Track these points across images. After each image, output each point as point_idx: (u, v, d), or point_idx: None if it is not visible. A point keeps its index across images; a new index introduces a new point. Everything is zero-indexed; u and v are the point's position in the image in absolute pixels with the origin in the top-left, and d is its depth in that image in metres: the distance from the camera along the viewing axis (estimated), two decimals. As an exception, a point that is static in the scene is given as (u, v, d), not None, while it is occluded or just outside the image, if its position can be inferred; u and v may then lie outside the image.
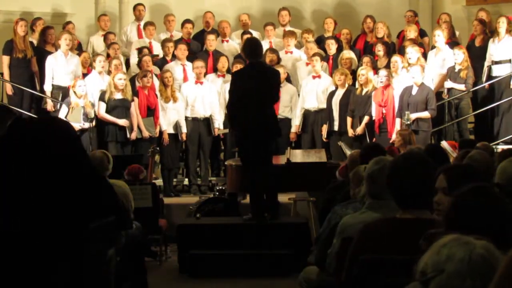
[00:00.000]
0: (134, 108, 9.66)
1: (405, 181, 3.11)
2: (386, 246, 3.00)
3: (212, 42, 10.78)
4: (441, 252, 1.94)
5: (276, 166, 8.07)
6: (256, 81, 7.25)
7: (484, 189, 2.43)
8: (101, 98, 9.59)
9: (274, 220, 7.47)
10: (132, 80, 10.17)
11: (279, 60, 10.43)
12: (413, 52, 9.72)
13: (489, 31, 10.30)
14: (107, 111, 9.55)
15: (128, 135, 9.61)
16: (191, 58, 10.55)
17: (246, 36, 10.77)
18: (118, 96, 9.55)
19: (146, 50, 10.53)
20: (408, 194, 3.10)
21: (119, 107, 9.56)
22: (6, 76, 10.16)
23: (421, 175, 3.10)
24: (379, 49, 10.31)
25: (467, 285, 1.88)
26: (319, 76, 10.12)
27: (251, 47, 7.53)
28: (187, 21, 11.26)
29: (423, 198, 3.04)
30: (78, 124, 9.33)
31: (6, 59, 10.11)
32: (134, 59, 10.72)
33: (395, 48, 10.78)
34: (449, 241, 1.96)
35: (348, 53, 10.34)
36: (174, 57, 10.67)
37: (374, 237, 3.08)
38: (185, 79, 10.43)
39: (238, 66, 9.84)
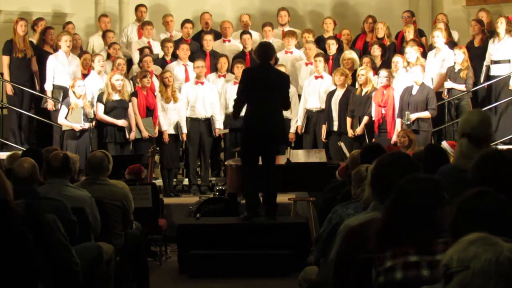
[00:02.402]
0: (132, 108, 9.66)
1: (388, 181, 3.10)
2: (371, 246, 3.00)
3: (209, 42, 10.78)
4: (469, 249, 1.95)
5: (276, 166, 8.10)
6: (266, 82, 7.31)
7: (488, 193, 2.43)
8: (99, 100, 9.59)
9: (271, 220, 7.47)
10: (133, 80, 10.19)
11: (277, 60, 10.43)
12: (412, 51, 9.73)
13: (489, 31, 10.30)
14: (106, 112, 9.55)
15: (127, 136, 9.61)
16: (190, 58, 10.55)
17: (245, 36, 10.81)
18: (116, 97, 9.55)
19: (147, 50, 10.54)
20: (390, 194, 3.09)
21: (118, 108, 9.56)
22: (6, 76, 10.16)
23: (405, 175, 3.09)
24: (375, 50, 10.31)
25: (491, 285, 1.89)
26: (321, 77, 10.12)
27: (263, 50, 7.54)
28: (186, 21, 11.26)
29: None
30: (78, 124, 9.33)
31: (6, 59, 10.12)
32: (136, 59, 10.71)
33: (395, 48, 10.78)
34: (477, 239, 1.97)
35: (349, 53, 10.33)
36: (173, 57, 10.66)
37: (358, 238, 3.09)
38: (187, 79, 10.43)
39: (238, 66, 9.87)
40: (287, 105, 7.69)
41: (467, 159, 4.00)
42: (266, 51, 7.53)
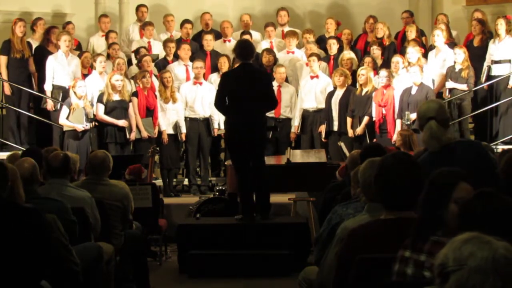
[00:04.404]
0: (132, 108, 9.66)
1: (391, 182, 3.11)
2: (372, 247, 3.01)
3: (209, 42, 10.77)
4: (463, 248, 1.96)
5: (276, 166, 8.09)
6: (244, 83, 7.26)
7: (490, 194, 2.43)
8: (100, 100, 9.59)
9: (266, 220, 7.48)
10: (133, 80, 10.19)
11: (276, 60, 10.45)
12: (413, 52, 9.72)
13: (488, 31, 10.30)
14: (106, 113, 9.55)
15: (127, 136, 9.61)
16: (190, 58, 10.56)
17: (246, 37, 10.79)
18: (116, 97, 9.55)
19: (143, 50, 10.53)
20: (394, 195, 3.10)
21: (118, 108, 9.56)
22: (4, 76, 10.15)
23: (407, 176, 3.09)
24: (375, 51, 10.31)
25: (489, 283, 1.90)
26: (317, 76, 10.13)
27: (241, 48, 7.53)
28: (186, 21, 11.26)
29: (408, 199, 3.04)
30: (81, 125, 9.31)
31: (3, 59, 10.10)
32: (135, 60, 10.73)
33: (395, 48, 10.77)
34: (471, 238, 1.98)
35: (348, 54, 10.34)
36: (175, 57, 10.66)
37: (361, 240, 3.10)
38: (188, 79, 10.44)
39: (237, 66, 9.87)
40: (273, 104, 7.62)
41: (437, 140, 4.20)
42: (245, 48, 7.48)
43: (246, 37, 10.77)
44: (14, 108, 10.16)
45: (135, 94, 9.79)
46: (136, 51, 10.60)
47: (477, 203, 2.39)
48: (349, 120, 9.67)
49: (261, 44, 11.15)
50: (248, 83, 7.26)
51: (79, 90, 9.35)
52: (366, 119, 9.54)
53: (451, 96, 9.81)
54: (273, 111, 9.53)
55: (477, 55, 10.06)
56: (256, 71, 7.74)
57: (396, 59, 9.83)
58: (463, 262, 1.94)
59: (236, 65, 9.82)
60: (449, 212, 2.74)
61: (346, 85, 9.79)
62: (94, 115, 9.50)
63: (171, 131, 10.01)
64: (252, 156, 7.40)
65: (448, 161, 3.79)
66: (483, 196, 2.41)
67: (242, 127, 7.26)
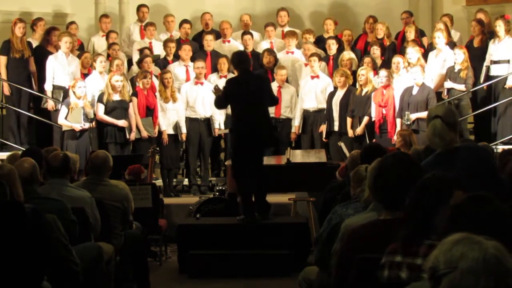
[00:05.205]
0: (132, 108, 9.67)
1: (391, 182, 3.11)
2: (372, 247, 3.02)
3: (210, 43, 10.77)
4: (454, 250, 1.95)
5: (276, 166, 8.10)
6: (247, 88, 7.43)
7: (481, 197, 2.42)
8: (100, 100, 9.59)
9: (266, 220, 7.49)
10: (133, 80, 10.18)
11: (276, 61, 10.46)
12: (413, 52, 9.72)
13: (488, 32, 10.30)
14: (106, 113, 9.56)
15: (127, 136, 9.62)
16: (191, 58, 10.55)
17: (246, 37, 10.82)
18: (116, 97, 9.56)
19: (147, 51, 10.53)
20: (394, 195, 3.10)
21: (118, 108, 9.56)
22: (4, 76, 10.14)
23: (407, 176, 3.09)
24: (375, 51, 10.31)
25: (481, 284, 1.90)
26: (317, 76, 10.13)
27: (239, 58, 7.75)
28: (185, 21, 11.26)
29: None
30: (78, 124, 9.32)
31: (3, 59, 10.10)
32: (135, 60, 10.72)
33: (395, 48, 10.77)
34: (461, 239, 1.97)
35: (348, 54, 10.35)
36: (175, 57, 10.66)
37: (361, 240, 3.11)
38: (188, 79, 10.43)
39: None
40: (273, 101, 7.95)
41: (440, 138, 4.12)
42: (242, 60, 7.70)
43: (247, 37, 10.83)
44: (14, 108, 10.15)
45: (134, 94, 9.79)
46: (140, 52, 10.59)
47: (469, 206, 2.37)
48: (349, 120, 9.68)
49: (261, 45, 11.15)
50: (250, 88, 7.43)
51: (79, 91, 9.35)
52: (365, 119, 9.55)
53: (449, 96, 9.81)
54: (273, 112, 9.58)
55: (477, 56, 10.06)
56: (256, 76, 8.00)
57: (397, 59, 9.83)
58: (454, 264, 1.94)
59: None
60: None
61: (347, 85, 9.79)
62: (94, 114, 9.50)
63: (171, 131, 10.01)
64: (256, 158, 7.45)
65: (451, 163, 3.80)
66: (475, 199, 2.40)
67: (248, 129, 7.37)
